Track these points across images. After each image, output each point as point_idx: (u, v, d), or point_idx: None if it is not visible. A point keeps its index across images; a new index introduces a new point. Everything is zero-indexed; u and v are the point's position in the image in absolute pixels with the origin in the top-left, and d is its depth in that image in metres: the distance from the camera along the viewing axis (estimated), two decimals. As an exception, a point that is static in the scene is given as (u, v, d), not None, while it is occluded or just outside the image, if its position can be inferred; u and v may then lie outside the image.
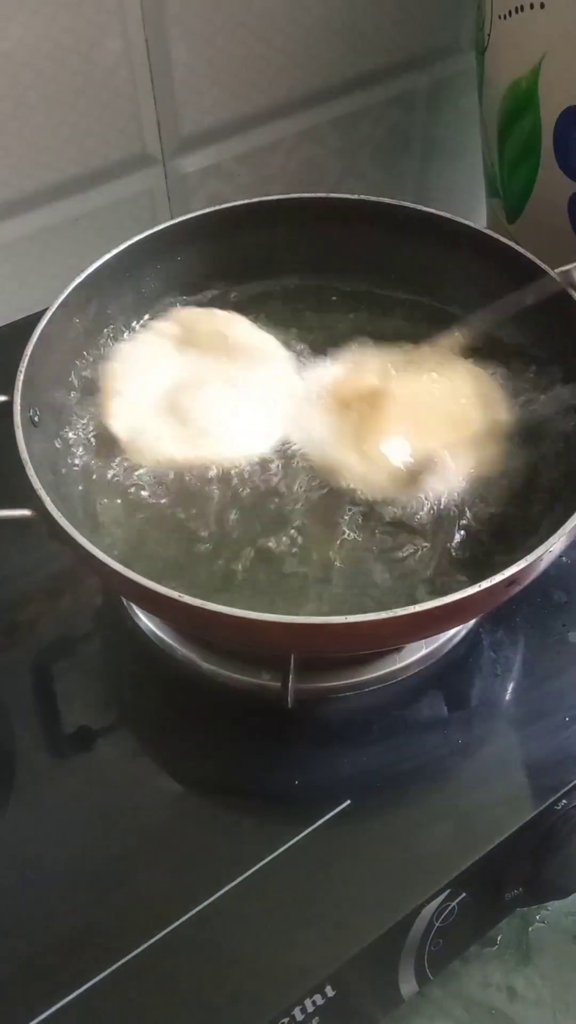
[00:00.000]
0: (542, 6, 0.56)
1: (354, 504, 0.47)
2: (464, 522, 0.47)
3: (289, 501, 0.48)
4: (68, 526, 0.40)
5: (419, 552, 0.46)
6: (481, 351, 0.54)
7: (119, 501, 0.48)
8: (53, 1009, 0.40)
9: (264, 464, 0.49)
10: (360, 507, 0.47)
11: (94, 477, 0.49)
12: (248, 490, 0.48)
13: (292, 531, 0.47)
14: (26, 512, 0.41)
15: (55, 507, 0.41)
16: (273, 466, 0.49)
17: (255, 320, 0.56)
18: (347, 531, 0.47)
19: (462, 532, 0.46)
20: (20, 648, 0.53)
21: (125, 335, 0.56)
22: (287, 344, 0.55)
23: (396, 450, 0.48)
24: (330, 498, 0.48)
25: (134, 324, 0.57)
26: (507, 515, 0.47)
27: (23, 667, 0.52)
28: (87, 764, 0.48)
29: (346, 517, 0.47)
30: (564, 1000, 0.50)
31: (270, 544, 0.46)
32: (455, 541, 0.46)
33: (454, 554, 0.46)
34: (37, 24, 0.61)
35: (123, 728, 0.50)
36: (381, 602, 0.44)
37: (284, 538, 0.46)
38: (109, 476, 0.49)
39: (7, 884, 0.44)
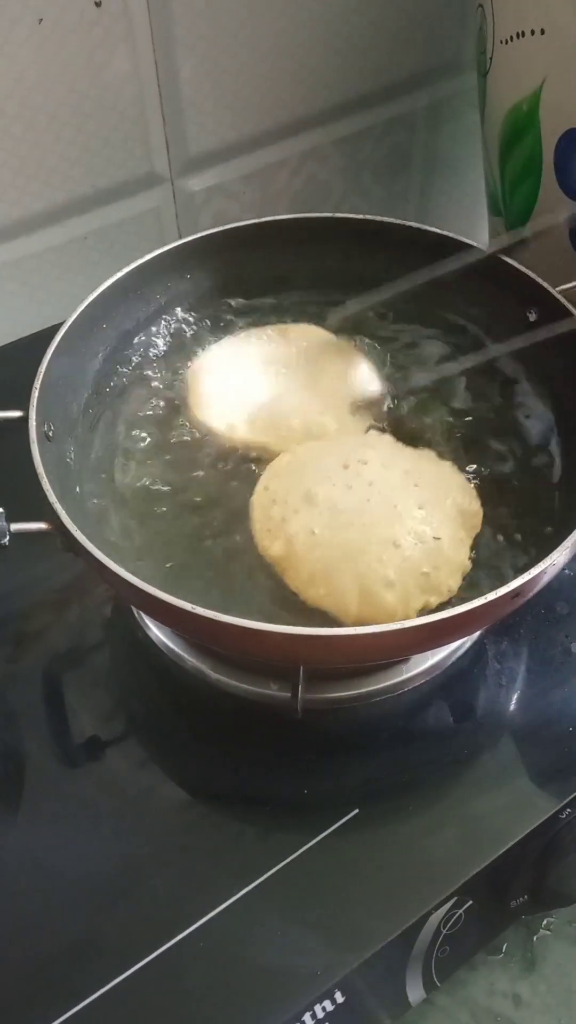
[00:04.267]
0: (542, 32, 0.57)
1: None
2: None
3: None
4: (84, 539, 0.41)
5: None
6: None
7: (132, 513, 0.49)
8: (64, 1017, 0.40)
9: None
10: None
11: (106, 489, 0.50)
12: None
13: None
14: (42, 525, 0.42)
15: (70, 520, 0.41)
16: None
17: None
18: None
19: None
20: (31, 658, 0.53)
21: (135, 349, 0.57)
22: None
23: None
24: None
25: (142, 339, 0.58)
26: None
27: (34, 677, 0.53)
28: (96, 773, 0.49)
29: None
30: (569, 1007, 0.50)
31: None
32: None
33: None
34: (47, 47, 0.62)
35: (132, 738, 0.50)
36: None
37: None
38: (122, 488, 0.50)
39: (17, 892, 0.44)
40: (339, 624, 0.43)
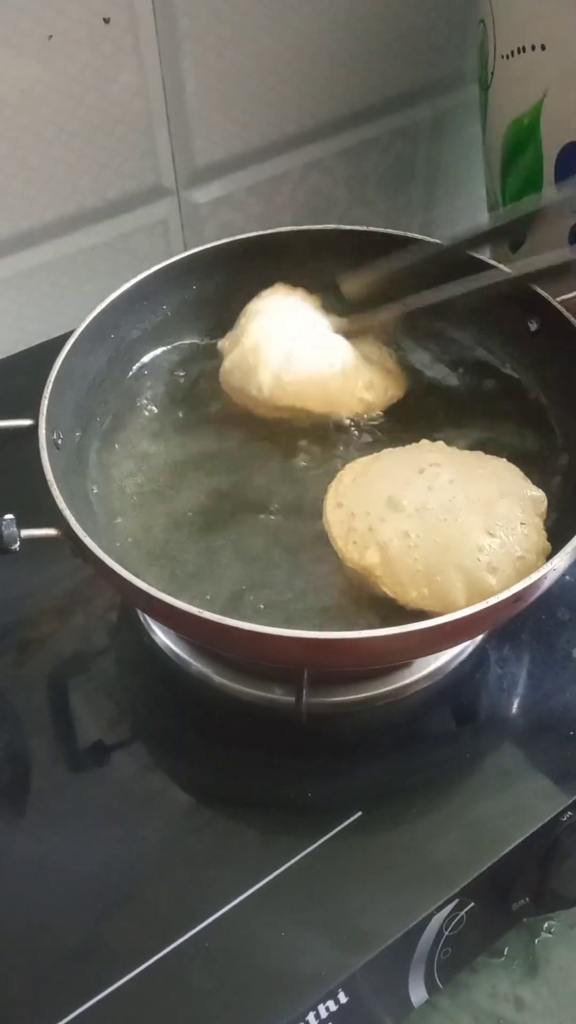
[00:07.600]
0: (543, 47, 0.58)
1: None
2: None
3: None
4: (92, 544, 0.41)
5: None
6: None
7: (139, 518, 0.50)
8: (69, 1017, 0.41)
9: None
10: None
11: (114, 495, 0.51)
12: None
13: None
14: (52, 532, 0.43)
15: (80, 527, 0.42)
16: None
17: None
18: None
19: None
20: (37, 663, 0.54)
21: (143, 358, 0.58)
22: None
23: None
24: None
25: (149, 348, 0.59)
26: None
27: (40, 682, 0.53)
28: (102, 778, 0.49)
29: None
30: (571, 1010, 0.50)
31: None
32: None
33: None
34: (56, 62, 0.63)
35: (137, 742, 0.51)
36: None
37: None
38: (130, 494, 0.51)
39: (23, 896, 0.45)
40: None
